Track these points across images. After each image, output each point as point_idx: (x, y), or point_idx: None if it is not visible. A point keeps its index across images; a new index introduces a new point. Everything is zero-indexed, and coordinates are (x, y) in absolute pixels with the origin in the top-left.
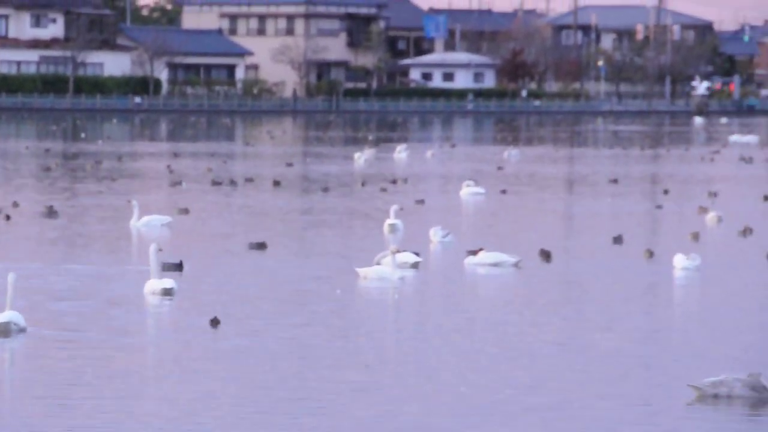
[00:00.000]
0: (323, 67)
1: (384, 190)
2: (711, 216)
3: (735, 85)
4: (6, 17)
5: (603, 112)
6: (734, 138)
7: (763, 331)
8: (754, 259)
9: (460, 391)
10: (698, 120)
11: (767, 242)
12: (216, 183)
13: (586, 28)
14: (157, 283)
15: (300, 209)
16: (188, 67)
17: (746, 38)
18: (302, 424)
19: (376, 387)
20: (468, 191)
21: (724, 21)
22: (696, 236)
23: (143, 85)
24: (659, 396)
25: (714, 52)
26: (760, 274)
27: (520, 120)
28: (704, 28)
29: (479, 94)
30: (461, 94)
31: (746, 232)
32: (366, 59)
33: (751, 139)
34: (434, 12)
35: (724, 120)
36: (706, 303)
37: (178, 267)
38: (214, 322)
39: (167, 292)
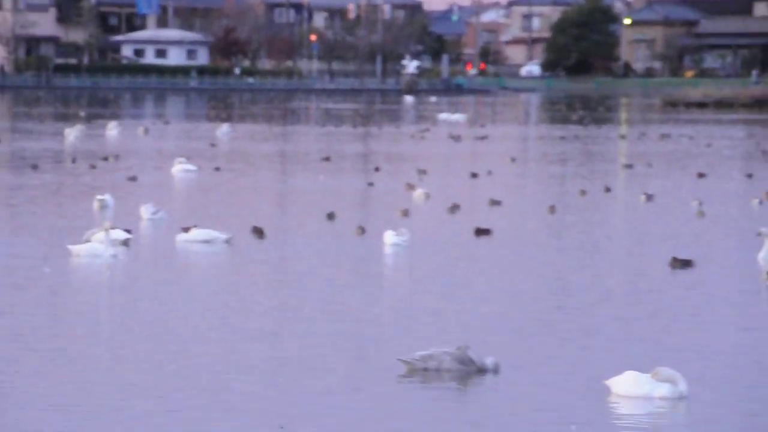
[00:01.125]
0: (32, 43)
1: (94, 167)
2: (419, 193)
3: (486, 65)
4: None
5: (315, 90)
6: (443, 116)
7: (469, 304)
8: (462, 235)
9: (167, 370)
10: (408, 98)
11: (474, 218)
12: None
13: (298, 7)
14: None
15: (8, 186)
16: None
17: (455, 18)
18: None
19: (82, 364)
20: (180, 168)
21: (434, 1)
22: (405, 213)
23: None
24: (370, 370)
25: (424, 31)
26: (468, 249)
27: (234, 97)
28: (414, 8)
29: (190, 71)
30: (174, 71)
31: (454, 208)
32: (77, 35)
33: (459, 117)
34: None
35: (433, 98)
36: (415, 278)
37: None
38: None
39: None
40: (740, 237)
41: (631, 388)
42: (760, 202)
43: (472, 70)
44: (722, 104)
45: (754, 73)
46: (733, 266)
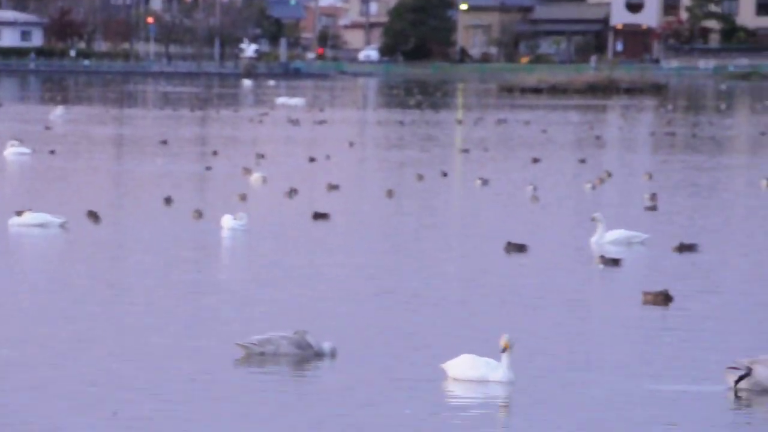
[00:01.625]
0: None
1: None
2: (256, 177)
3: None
4: None
5: (153, 73)
6: (281, 100)
7: (307, 288)
8: (300, 219)
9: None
10: (247, 82)
11: (312, 202)
12: None
13: None
14: None
15: None
16: None
17: (293, 2)
18: None
19: None
20: (13, 151)
21: None
22: (243, 197)
23: None
24: (207, 355)
25: (262, 15)
26: (306, 233)
27: (70, 79)
28: None
29: (25, 52)
30: (7, 52)
31: (292, 192)
32: None
33: (298, 101)
34: None
35: (271, 82)
36: (253, 262)
37: None
38: None
39: None
40: (574, 221)
41: (466, 371)
42: (593, 187)
43: (311, 54)
44: (557, 90)
45: (593, 58)
46: (567, 250)
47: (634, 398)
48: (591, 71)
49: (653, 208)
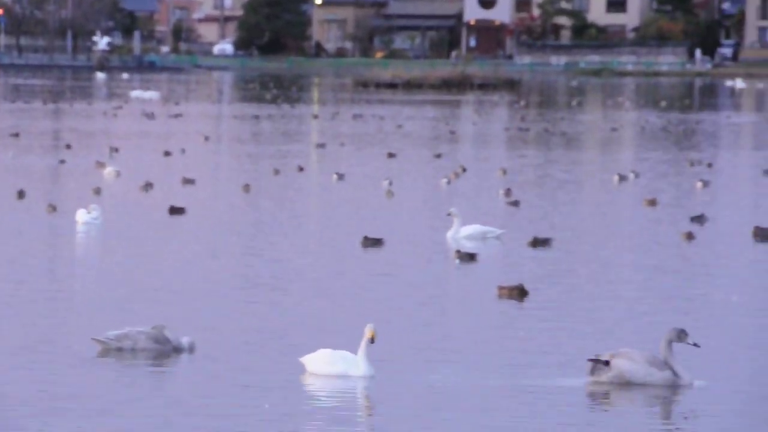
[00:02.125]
0: None
1: None
2: (109, 171)
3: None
4: None
5: (3, 65)
6: (136, 93)
7: (165, 282)
8: (155, 213)
9: None
10: (100, 75)
11: (168, 197)
12: None
13: None
14: None
15: None
16: None
17: None
18: None
19: None
20: None
21: None
22: (97, 191)
23: None
24: (63, 351)
25: (114, 7)
26: (162, 228)
27: None
28: None
29: None
30: None
31: (147, 187)
32: None
33: (153, 95)
34: None
35: (125, 75)
36: (108, 257)
37: None
38: None
39: None
40: (430, 216)
41: (324, 365)
42: (449, 182)
43: (165, 48)
44: (411, 85)
45: (453, 54)
46: (423, 245)
47: (491, 392)
48: (452, 66)
49: (515, 204)
